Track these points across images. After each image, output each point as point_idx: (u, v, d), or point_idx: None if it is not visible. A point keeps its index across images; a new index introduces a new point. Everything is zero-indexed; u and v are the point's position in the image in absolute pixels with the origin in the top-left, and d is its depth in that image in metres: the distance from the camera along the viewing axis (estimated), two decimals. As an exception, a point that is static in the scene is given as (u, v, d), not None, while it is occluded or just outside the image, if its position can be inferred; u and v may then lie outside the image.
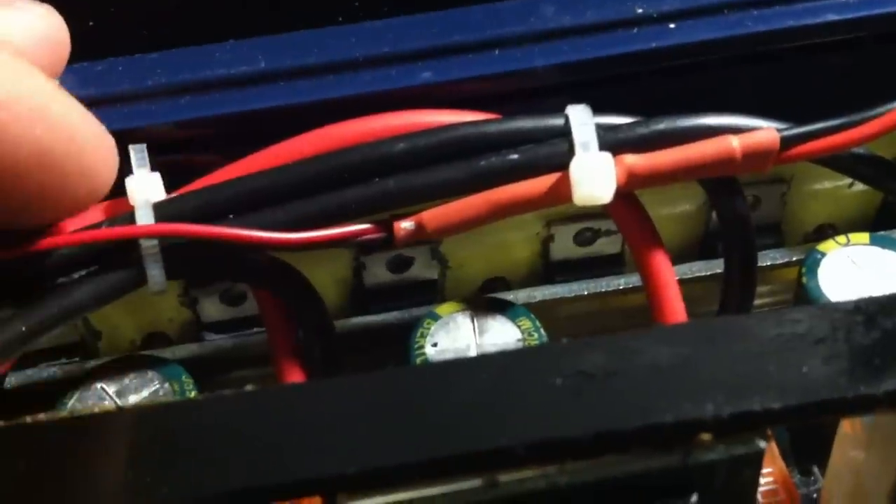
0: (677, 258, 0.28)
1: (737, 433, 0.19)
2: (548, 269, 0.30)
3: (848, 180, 0.30)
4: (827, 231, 0.31)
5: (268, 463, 0.18)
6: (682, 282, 0.26)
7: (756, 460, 0.19)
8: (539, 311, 0.27)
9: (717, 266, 0.29)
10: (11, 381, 0.28)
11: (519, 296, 0.29)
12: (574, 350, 0.19)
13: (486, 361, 0.20)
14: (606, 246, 0.30)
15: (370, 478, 0.18)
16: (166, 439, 0.19)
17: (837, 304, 0.19)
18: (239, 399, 0.20)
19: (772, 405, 0.18)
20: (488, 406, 0.19)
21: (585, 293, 0.29)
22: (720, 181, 0.26)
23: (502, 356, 0.20)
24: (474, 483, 0.18)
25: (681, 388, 0.18)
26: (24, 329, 0.22)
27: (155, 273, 0.23)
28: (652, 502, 0.19)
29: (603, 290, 0.29)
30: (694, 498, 0.19)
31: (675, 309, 0.25)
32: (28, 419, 0.22)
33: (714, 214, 0.30)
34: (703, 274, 0.29)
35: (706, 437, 0.18)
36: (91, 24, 0.27)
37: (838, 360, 0.19)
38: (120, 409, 0.24)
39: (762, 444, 0.19)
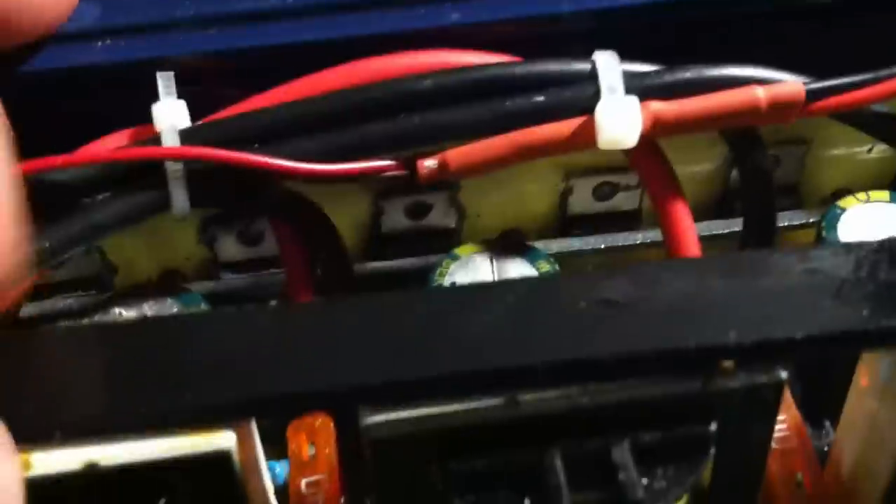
0: (695, 217, 0.28)
1: (759, 362, 0.19)
2: (565, 223, 0.30)
3: (867, 146, 0.30)
4: (844, 195, 0.31)
5: (287, 373, 0.18)
6: (700, 239, 0.26)
7: (776, 391, 0.19)
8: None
9: (735, 225, 0.29)
10: (28, 310, 0.28)
11: (536, 246, 0.29)
12: (599, 278, 0.19)
13: (510, 285, 0.20)
14: (625, 201, 0.30)
15: (392, 390, 0.18)
16: (184, 349, 0.19)
17: (861, 242, 0.20)
18: (258, 313, 0.20)
19: (794, 335, 0.18)
20: (511, 327, 0.19)
21: (602, 247, 0.29)
22: (743, 134, 0.26)
23: (527, 282, 0.20)
24: (496, 401, 0.18)
25: (704, 315, 0.19)
26: (47, 245, 0.22)
27: (179, 197, 0.23)
28: (672, 428, 0.19)
29: (620, 244, 0.29)
30: (713, 426, 0.19)
31: (694, 252, 0.25)
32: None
33: (733, 175, 0.30)
34: (720, 232, 0.29)
35: (728, 364, 0.19)
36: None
37: (861, 294, 0.19)
38: (132, 320, 0.24)
39: (783, 374, 0.19)
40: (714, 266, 0.19)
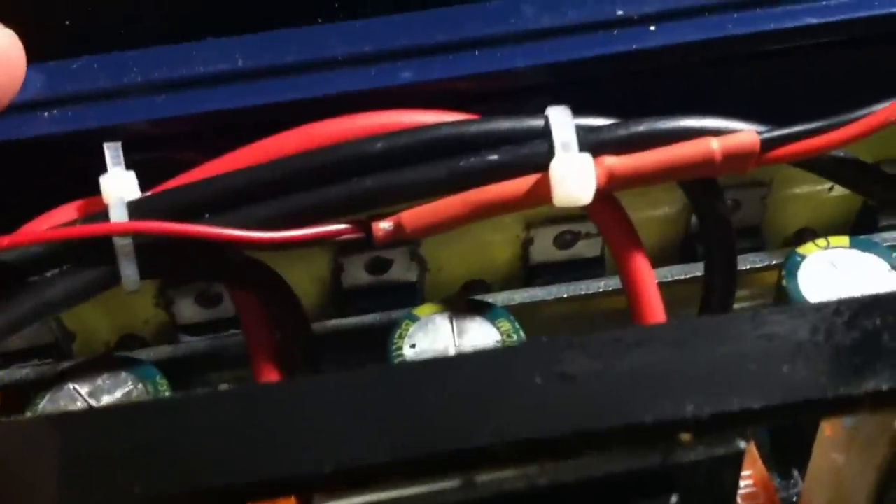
0: (657, 261, 0.28)
1: (717, 433, 0.18)
2: (528, 272, 0.30)
3: (828, 184, 0.30)
4: (807, 235, 0.31)
5: (243, 462, 0.18)
6: (662, 285, 0.26)
7: (736, 460, 0.19)
8: (519, 313, 0.27)
9: (697, 269, 0.29)
10: (-16, 381, 0.27)
11: (498, 298, 0.29)
12: (554, 349, 0.19)
13: (465, 360, 0.19)
14: (586, 249, 0.30)
15: (347, 477, 0.18)
16: (139, 438, 0.19)
17: (818, 304, 0.19)
18: (213, 398, 0.20)
19: (752, 405, 0.18)
20: (467, 405, 0.18)
21: (565, 296, 0.29)
22: (700, 183, 0.26)
23: (481, 355, 0.20)
24: (452, 483, 0.18)
25: (660, 387, 0.18)
26: (-4, 327, 0.22)
27: (129, 271, 0.23)
28: (632, 502, 0.19)
29: (583, 292, 0.29)
30: (674, 499, 0.19)
31: (655, 311, 0.25)
32: (-2, 420, 0.21)
33: (694, 218, 0.30)
34: (683, 277, 0.29)
35: (686, 437, 0.18)
36: (67, 22, 0.26)
37: (819, 360, 0.19)
38: (90, 409, 0.24)
39: (742, 444, 0.18)
40: (669, 335, 0.19)
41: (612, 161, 0.24)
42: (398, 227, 0.24)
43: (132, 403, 0.23)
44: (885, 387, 0.18)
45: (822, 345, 0.19)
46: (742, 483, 0.23)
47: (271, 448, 0.18)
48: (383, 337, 0.27)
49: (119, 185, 0.23)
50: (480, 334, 0.26)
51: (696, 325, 0.20)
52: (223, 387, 0.22)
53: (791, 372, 0.18)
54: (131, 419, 0.19)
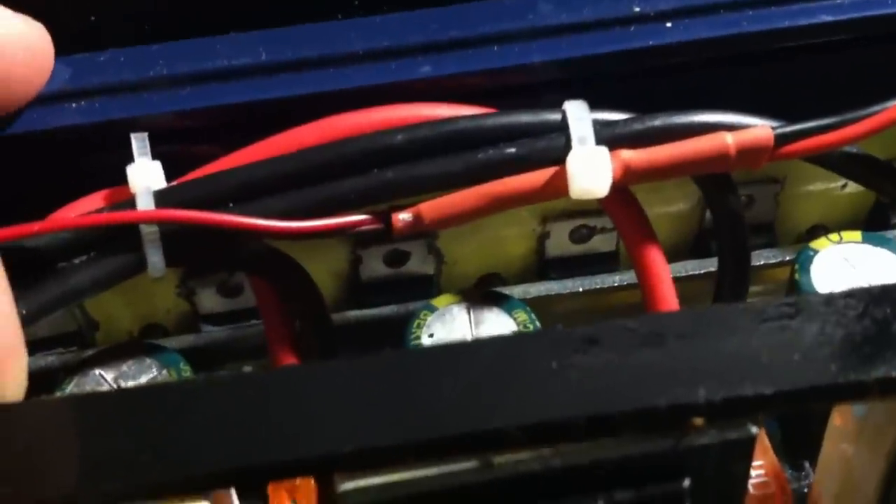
0: (671, 257, 0.28)
1: (729, 418, 0.19)
2: (543, 266, 0.31)
3: (840, 181, 0.31)
4: (820, 232, 0.31)
5: (264, 443, 0.18)
6: (675, 280, 0.27)
7: (748, 446, 0.19)
8: (534, 307, 0.27)
9: (710, 265, 0.30)
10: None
11: (514, 292, 0.29)
12: (569, 336, 0.19)
13: (482, 346, 0.20)
14: (602, 243, 0.30)
15: (366, 457, 0.18)
16: (162, 419, 0.19)
17: (828, 294, 0.20)
18: (234, 380, 0.20)
19: (763, 390, 0.18)
20: (484, 389, 0.19)
21: (580, 290, 0.30)
22: (714, 178, 0.26)
23: (498, 341, 0.20)
24: (470, 464, 0.19)
25: (674, 373, 0.19)
26: (24, 312, 0.22)
27: (155, 259, 0.23)
28: (645, 485, 0.19)
29: (598, 286, 0.30)
30: (686, 482, 0.19)
31: (670, 304, 0.25)
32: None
33: (708, 214, 0.30)
34: (696, 272, 0.30)
35: (699, 421, 0.19)
36: (94, 16, 0.27)
37: (829, 347, 0.19)
38: (115, 390, 0.24)
39: (754, 429, 0.19)
40: (683, 323, 0.20)
41: (628, 155, 0.25)
42: (417, 218, 0.25)
43: (156, 385, 0.24)
44: (894, 373, 0.18)
45: (832, 333, 0.19)
46: (753, 473, 0.24)
47: (292, 429, 0.19)
48: (400, 328, 0.27)
49: (146, 175, 0.24)
50: (497, 324, 0.26)
51: (709, 313, 0.20)
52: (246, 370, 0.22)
53: (802, 359, 0.19)
54: (155, 400, 0.20)
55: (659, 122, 0.25)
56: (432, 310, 0.27)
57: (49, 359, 0.28)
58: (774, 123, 0.25)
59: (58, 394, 0.25)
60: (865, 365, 0.19)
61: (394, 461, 0.18)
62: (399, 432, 0.18)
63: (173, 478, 0.18)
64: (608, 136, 0.25)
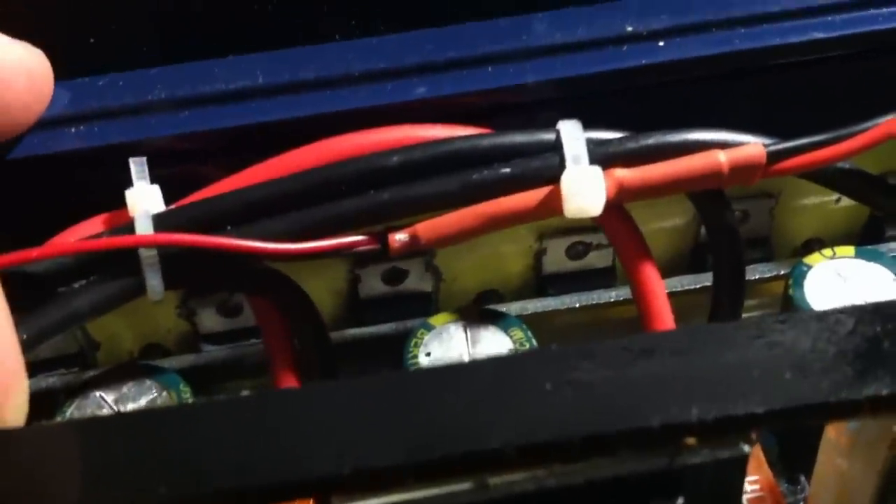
0: (667, 272, 0.28)
1: (721, 437, 0.19)
2: (540, 282, 0.31)
3: (835, 195, 0.31)
4: (815, 245, 0.31)
5: (262, 464, 0.19)
6: (671, 295, 0.27)
7: (740, 464, 0.19)
8: (531, 323, 0.28)
9: (705, 279, 0.30)
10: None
11: (512, 308, 0.29)
12: (564, 356, 0.20)
13: (478, 367, 0.20)
14: (598, 259, 0.31)
15: (363, 479, 0.18)
16: (162, 442, 0.19)
17: (821, 312, 0.20)
18: (233, 403, 0.20)
19: (755, 409, 0.19)
20: (479, 409, 0.19)
21: (577, 305, 0.30)
22: (708, 194, 0.26)
23: (494, 362, 0.21)
24: (465, 485, 0.19)
25: (667, 392, 0.19)
26: (24, 336, 0.23)
27: (154, 282, 0.24)
28: (639, 504, 0.19)
29: (594, 302, 0.30)
30: (680, 501, 0.19)
31: (665, 320, 0.26)
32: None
33: (703, 229, 0.31)
34: (692, 287, 0.30)
35: (692, 440, 0.19)
36: (92, 40, 0.27)
37: (820, 366, 0.19)
38: (115, 414, 0.24)
39: (746, 448, 0.19)
40: (676, 342, 0.20)
41: (622, 173, 0.25)
42: (414, 238, 0.25)
43: (156, 408, 0.24)
44: (885, 392, 0.19)
45: (823, 351, 0.19)
46: (749, 487, 0.24)
47: (290, 450, 0.19)
48: (399, 346, 0.27)
49: (144, 199, 0.24)
50: (494, 343, 0.27)
51: (702, 332, 0.20)
52: (244, 393, 0.22)
53: (793, 377, 0.19)
54: (155, 424, 0.20)
55: (652, 140, 0.25)
56: (429, 328, 0.27)
57: (50, 380, 0.29)
58: (767, 140, 0.25)
59: (58, 417, 0.25)
60: (857, 383, 0.19)
61: (391, 482, 0.19)
62: (396, 453, 0.19)
63: (171, 501, 0.18)
64: (602, 155, 0.25)
